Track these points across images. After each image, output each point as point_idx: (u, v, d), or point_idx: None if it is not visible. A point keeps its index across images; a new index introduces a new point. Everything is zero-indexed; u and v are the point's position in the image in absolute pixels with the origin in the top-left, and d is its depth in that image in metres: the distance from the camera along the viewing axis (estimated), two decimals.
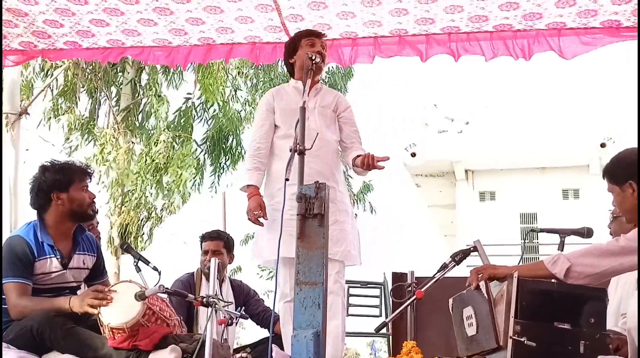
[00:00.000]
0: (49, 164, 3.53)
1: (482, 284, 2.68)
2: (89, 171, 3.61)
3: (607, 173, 2.93)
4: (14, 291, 3.23)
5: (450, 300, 2.94)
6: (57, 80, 10.96)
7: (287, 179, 3.02)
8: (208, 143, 12.53)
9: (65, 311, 3.18)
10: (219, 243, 4.74)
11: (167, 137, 11.62)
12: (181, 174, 11.42)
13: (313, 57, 3.61)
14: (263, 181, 3.87)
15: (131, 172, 11.18)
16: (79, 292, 3.52)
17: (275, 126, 3.88)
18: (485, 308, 2.62)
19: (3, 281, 3.27)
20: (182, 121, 12.28)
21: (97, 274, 3.65)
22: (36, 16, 4.62)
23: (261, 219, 3.68)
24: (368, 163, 3.61)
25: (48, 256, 3.37)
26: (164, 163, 11.45)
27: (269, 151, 3.86)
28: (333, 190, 3.63)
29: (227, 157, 12.55)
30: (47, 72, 11.13)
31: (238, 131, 12.56)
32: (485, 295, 2.64)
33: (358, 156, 3.75)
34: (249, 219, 3.71)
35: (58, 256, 3.41)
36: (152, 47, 5.00)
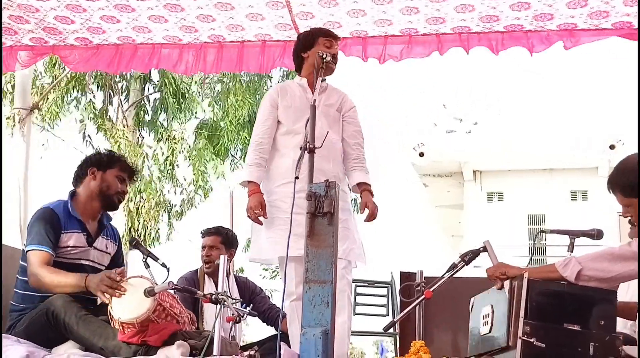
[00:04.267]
0: (104, 149, 3.79)
1: (506, 283, 2.67)
2: (133, 170, 3.78)
3: (619, 186, 2.80)
4: (36, 259, 3.31)
5: (472, 300, 2.94)
6: (67, 77, 10.99)
7: (297, 178, 3.03)
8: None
9: (80, 288, 3.21)
10: (216, 239, 4.74)
11: (182, 132, 11.69)
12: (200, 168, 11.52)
13: (324, 56, 3.60)
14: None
15: (142, 169, 11.25)
16: None
17: (278, 122, 3.87)
18: (504, 307, 2.61)
19: (27, 248, 3.35)
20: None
21: (116, 265, 3.71)
22: (47, 12, 4.64)
23: (261, 218, 3.69)
24: (372, 215, 3.76)
25: (75, 230, 3.48)
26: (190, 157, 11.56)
27: (270, 147, 3.85)
28: None
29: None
30: (58, 65, 11.16)
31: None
32: (507, 294, 2.63)
33: (360, 185, 3.85)
34: (248, 216, 3.71)
35: (85, 233, 3.52)
36: (162, 44, 5.02)
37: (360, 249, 3.79)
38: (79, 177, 3.63)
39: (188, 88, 12.16)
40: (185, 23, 4.74)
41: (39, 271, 3.28)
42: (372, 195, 3.85)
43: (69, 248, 3.45)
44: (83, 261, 3.51)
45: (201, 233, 4.85)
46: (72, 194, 3.60)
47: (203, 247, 4.75)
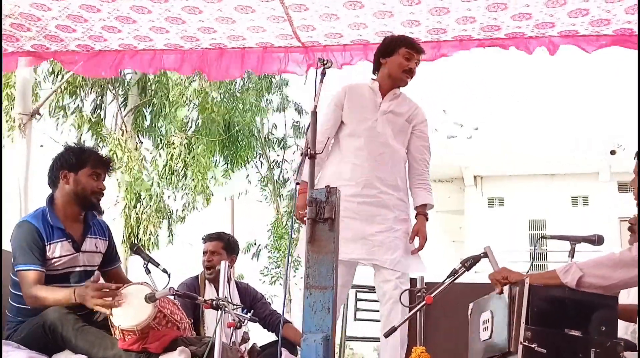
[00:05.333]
0: (73, 145, 3.58)
1: (505, 289, 2.67)
2: (107, 161, 3.59)
3: None
4: (28, 279, 3.21)
5: (471, 305, 2.94)
6: (65, 82, 11.00)
7: (297, 184, 3.04)
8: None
9: (74, 303, 3.14)
10: (217, 244, 4.73)
11: (181, 138, 11.72)
12: (201, 175, 11.55)
13: (325, 62, 3.60)
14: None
15: (141, 175, 11.27)
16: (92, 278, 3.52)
17: (342, 122, 3.84)
18: (504, 313, 2.61)
19: (16, 269, 3.26)
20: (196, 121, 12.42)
21: (110, 260, 3.65)
22: (49, 21, 4.64)
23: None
24: (420, 248, 3.79)
25: (59, 240, 3.35)
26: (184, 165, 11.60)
27: (329, 147, 3.82)
28: (391, 197, 3.72)
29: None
30: (57, 74, 11.19)
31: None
32: (507, 299, 2.63)
33: (420, 206, 3.87)
34: (294, 215, 3.70)
35: (69, 240, 3.39)
36: (164, 50, 5.02)
37: (409, 259, 3.77)
38: (53, 181, 3.47)
39: (175, 96, 12.16)
40: (186, 34, 4.75)
41: (34, 292, 3.19)
42: (427, 219, 3.88)
43: (55, 259, 3.33)
44: (73, 269, 3.41)
45: (203, 238, 4.85)
46: (50, 200, 3.45)
47: (204, 252, 4.75)
